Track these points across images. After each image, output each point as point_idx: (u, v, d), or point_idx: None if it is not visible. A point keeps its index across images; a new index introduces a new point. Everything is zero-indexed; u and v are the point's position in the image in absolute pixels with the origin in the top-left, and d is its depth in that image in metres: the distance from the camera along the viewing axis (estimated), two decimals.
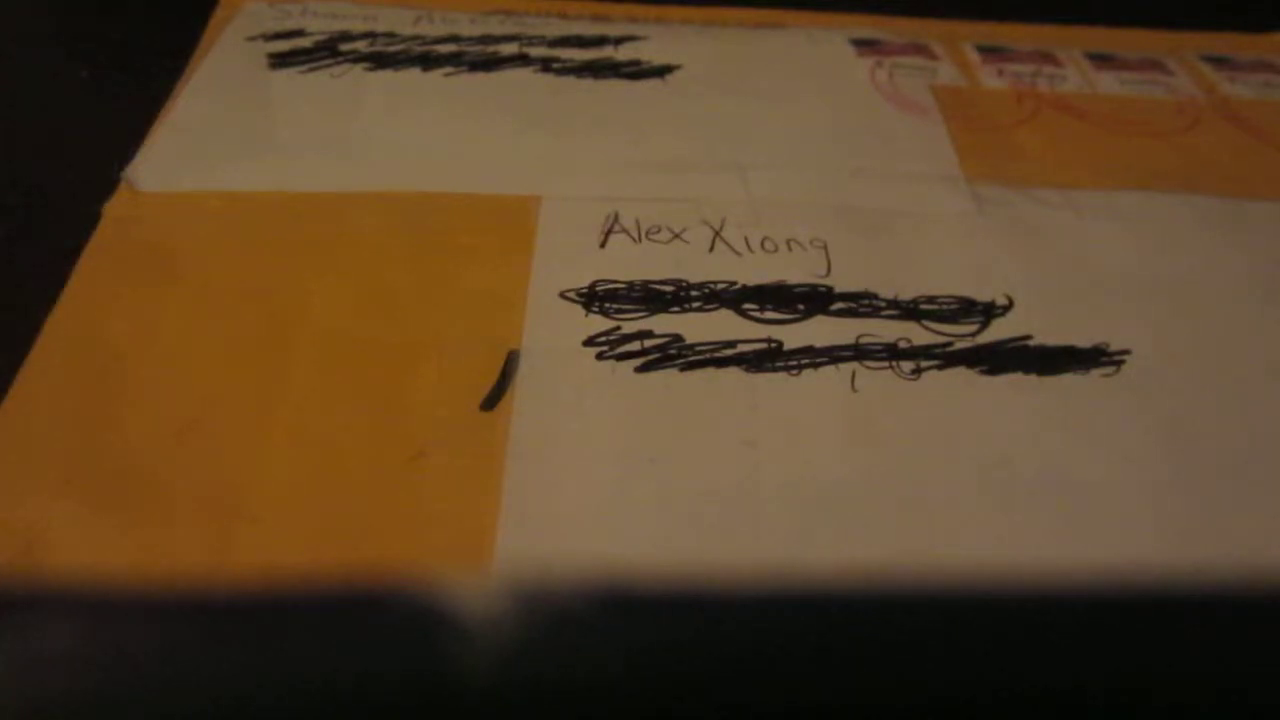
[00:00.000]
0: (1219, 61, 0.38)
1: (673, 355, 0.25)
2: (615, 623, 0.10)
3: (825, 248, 0.28)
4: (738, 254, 0.28)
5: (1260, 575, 0.10)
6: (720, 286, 0.27)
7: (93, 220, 0.28)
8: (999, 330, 0.26)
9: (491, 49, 0.35)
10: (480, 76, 0.34)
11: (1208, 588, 0.10)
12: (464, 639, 0.09)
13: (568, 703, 0.09)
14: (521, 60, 0.35)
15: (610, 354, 0.25)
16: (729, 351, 0.25)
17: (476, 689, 0.09)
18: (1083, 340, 0.26)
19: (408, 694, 0.09)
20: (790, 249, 0.28)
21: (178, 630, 0.10)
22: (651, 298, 0.26)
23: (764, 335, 0.25)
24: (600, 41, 0.36)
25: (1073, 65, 0.37)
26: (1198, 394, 0.25)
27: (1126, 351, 0.26)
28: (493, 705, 0.09)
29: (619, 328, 0.25)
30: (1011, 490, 0.23)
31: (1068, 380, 0.25)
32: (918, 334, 0.26)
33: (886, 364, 0.25)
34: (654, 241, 0.28)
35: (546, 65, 0.35)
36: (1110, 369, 0.26)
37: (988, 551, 0.22)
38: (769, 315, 0.26)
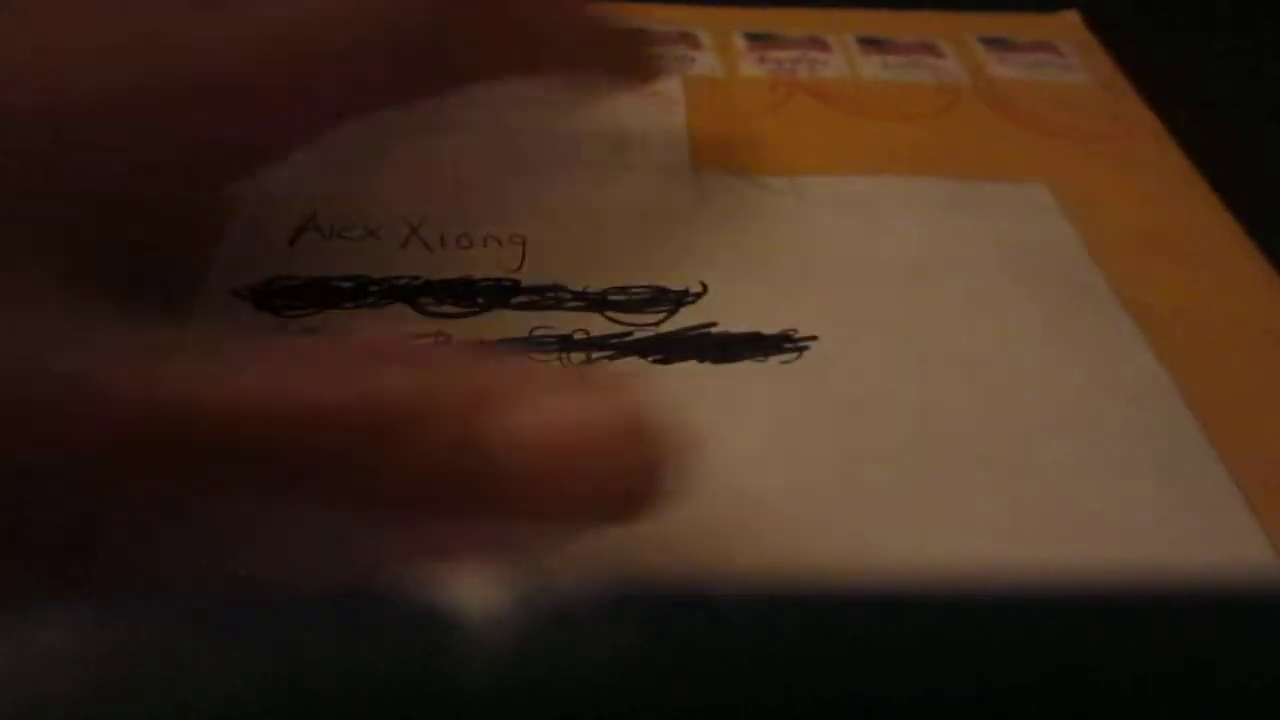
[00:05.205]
0: (996, 42, 0.38)
1: None
2: (615, 623, 0.10)
3: (524, 244, 0.28)
4: (430, 250, 0.28)
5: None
6: (402, 282, 0.27)
7: None
8: (686, 318, 0.26)
9: None
10: None
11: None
12: (464, 638, 0.09)
13: (568, 702, 0.09)
14: None
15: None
16: None
17: (476, 689, 0.09)
18: (770, 326, 0.26)
19: (407, 694, 0.09)
20: (486, 245, 0.28)
21: (178, 630, 0.10)
22: (330, 294, 0.26)
23: (433, 330, 0.26)
24: None
25: (840, 50, 0.37)
26: (883, 377, 0.25)
27: (813, 338, 0.26)
28: (493, 705, 0.09)
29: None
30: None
31: (745, 367, 0.25)
32: (599, 324, 0.26)
33: (556, 355, 0.25)
34: (345, 239, 0.28)
35: None
36: (792, 354, 0.26)
37: None
38: (446, 309, 0.26)
